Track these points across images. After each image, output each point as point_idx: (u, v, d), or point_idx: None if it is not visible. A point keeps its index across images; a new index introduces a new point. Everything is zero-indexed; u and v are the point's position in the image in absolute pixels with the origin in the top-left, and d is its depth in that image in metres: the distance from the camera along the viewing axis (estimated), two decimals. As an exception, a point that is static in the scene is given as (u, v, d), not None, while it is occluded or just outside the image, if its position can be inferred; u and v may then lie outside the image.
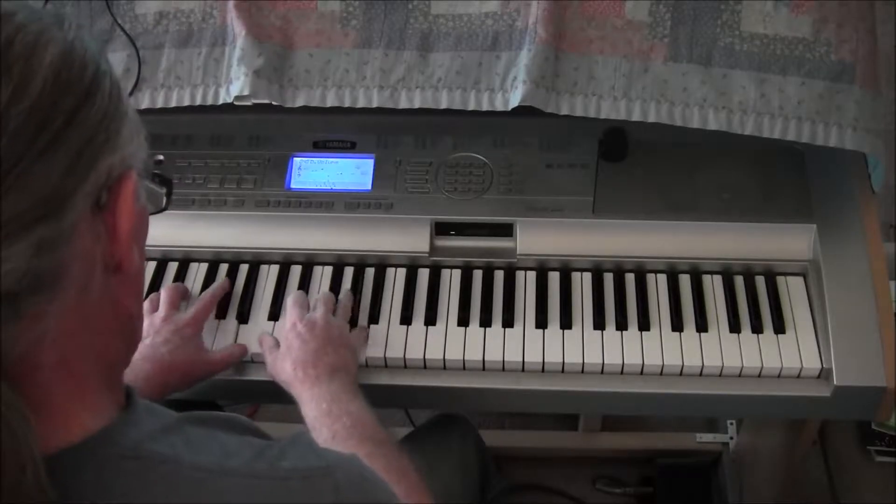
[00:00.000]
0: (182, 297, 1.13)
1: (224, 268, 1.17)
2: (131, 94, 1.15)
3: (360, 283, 1.15)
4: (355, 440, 0.87)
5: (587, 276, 1.14)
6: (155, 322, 1.06)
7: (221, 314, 1.13)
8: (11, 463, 0.48)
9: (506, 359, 1.07)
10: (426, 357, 1.08)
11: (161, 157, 1.20)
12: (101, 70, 0.55)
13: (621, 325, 1.09)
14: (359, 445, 0.86)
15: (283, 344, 1.03)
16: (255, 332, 1.10)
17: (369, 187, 1.18)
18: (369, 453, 0.84)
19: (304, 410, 0.95)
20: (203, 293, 1.12)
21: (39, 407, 0.52)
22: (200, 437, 0.60)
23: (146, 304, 1.10)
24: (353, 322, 1.10)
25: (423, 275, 1.15)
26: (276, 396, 1.03)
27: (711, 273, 1.14)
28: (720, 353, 1.07)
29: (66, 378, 0.55)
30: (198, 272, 1.17)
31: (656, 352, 1.07)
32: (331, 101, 1.13)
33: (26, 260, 0.49)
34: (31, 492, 0.48)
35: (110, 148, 0.54)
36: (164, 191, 0.70)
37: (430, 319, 1.11)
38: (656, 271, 1.15)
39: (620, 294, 1.12)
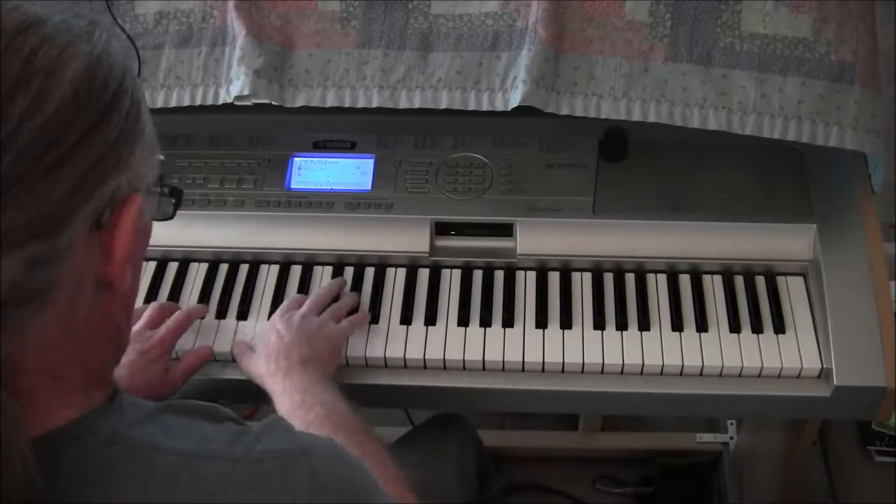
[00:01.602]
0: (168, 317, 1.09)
1: (224, 268, 1.17)
2: (131, 94, 1.15)
3: (360, 283, 1.14)
4: (329, 429, 0.87)
5: (587, 276, 1.14)
6: None
7: (221, 314, 1.13)
8: (10, 452, 0.48)
9: (506, 359, 1.07)
10: (426, 357, 1.08)
11: (161, 157, 1.20)
12: (122, 88, 0.54)
13: (621, 325, 1.09)
14: (333, 435, 0.85)
15: (262, 340, 1.03)
16: (255, 332, 1.10)
17: (369, 187, 1.18)
18: (344, 441, 0.83)
19: (277, 403, 0.94)
20: (178, 313, 1.07)
21: (23, 403, 0.52)
22: (178, 425, 0.59)
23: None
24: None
25: (423, 275, 1.15)
26: (275, 396, 1.03)
27: (711, 273, 1.14)
28: (720, 353, 1.07)
29: (50, 382, 0.55)
30: (198, 272, 1.17)
31: (656, 352, 1.07)
32: (331, 101, 1.13)
33: (16, 274, 0.48)
34: (20, 484, 0.49)
35: (119, 170, 0.54)
36: (172, 201, 0.69)
37: (430, 319, 1.11)
38: (656, 271, 1.15)
39: (620, 294, 1.12)
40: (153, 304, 1.09)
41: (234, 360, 1.09)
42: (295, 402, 0.92)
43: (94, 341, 0.58)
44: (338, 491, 0.59)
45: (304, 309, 1.06)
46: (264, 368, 0.99)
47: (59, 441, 0.54)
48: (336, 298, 1.11)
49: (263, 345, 1.02)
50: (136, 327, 1.05)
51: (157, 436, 0.57)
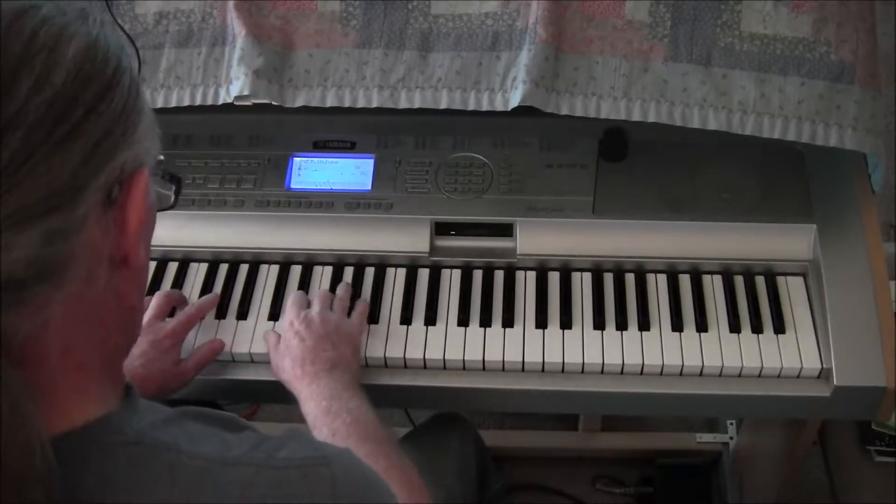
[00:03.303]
0: (177, 304, 1.12)
1: (224, 268, 1.17)
2: (131, 94, 1.15)
3: (360, 284, 1.15)
4: (355, 439, 0.87)
5: (587, 276, 1.14)
6: None
7: (221, 314, 1.13)
8: (20, 444, 0.48)
9: (506, 359, 1.07)
10: (426, 357, 1.08)
11: (161, 157, 1.20)
12: (122, 66, 0.56)
13: (621, 325, 1.09)
14: (359, 444, 0.86)
15: (282, 343, 1.03)
16: (255, 332, 1.10)
17: (369, 187, 1.18)
18: (369, 453, 0.84)
19: (303, 409, 0.95)
20: (189, 306, 1.09)
21: (43, 394, 0.52)
22: (200, 430, 0.60)
23: None
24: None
25: (423, 275, 1.15)
26: (276, 396, 1.03)
27: (711, 273, 1.14)
28: (720, 353, 1.07)
29: (69, 367, 0.56)
30: (198, 272, 1.17)
31: (656, 352, 1.07)
32: (331, 101, 1.13)
33: (35, 248, 0.49)
34: (40, 473, 0.49)
35: (126, 143, 0.55)
36: (172, 189, 0.70)
37: (430, 319, 1.11)
38: (656, 271, 1.15)
39: (620, 294, 1.12)
40: (158, 294, 1.10)
41: (234, 361, 1.09)
42: (322, 409, 0.92)
43: (110, 323, 0.59)
44: (358, 501, 0.60)
45: (317, 307, 1.06)
46: (290, 373, 0.99)
47: (86, 437, 0.55)
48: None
49: (285, 347, 1.02)
50: (146, 317, 1.06)
51: (181, 439, 0.57)
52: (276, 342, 1.05)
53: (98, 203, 0.53)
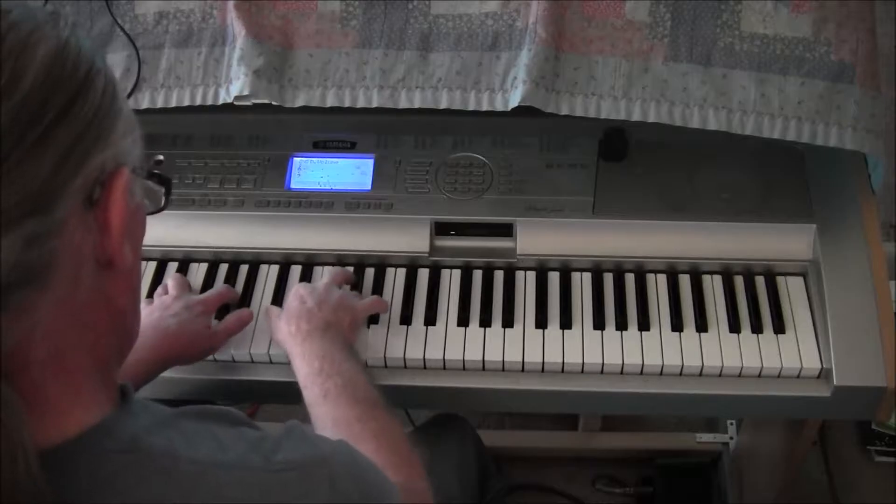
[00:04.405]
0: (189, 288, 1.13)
1: (224, 268, 1.17)
2: (131, 94, 1.16)
3: (360, 284, 1.14)
4: (346, 400, 0.88)
5: (587, 276, 1.14)
6: (166, 301, 1.07)
7: (221, 315, 1.12)
8: (5, 456, 0.48)
9: (506, 359, 1.07)
10: (426, 357, 1.08)
11: (161, 157, 1.20)
12: (94, 68, 0.55)
13: (621, 325, 1.09)
14: (350, 406, 0.87)
15: (284, 307, 1.05)
16: (255, 333, 1.10)
17: (369, 187, 1.18)
18: (360, 416, 0.85)
19: (295, 366, 0.96)
20: (216, 286, 1.13)
21: (33, 402, 0.52)
22: (196, 431, 0.60)
23: (157, 290, 1.11)
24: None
25: (423, 275, 1.15)
26: (276, 397, 1.03)
27: (711, 273, 1.14)
28: (720, 353, 1.07)
29: (59, 373, 0.55)
30: (198, 272, 1.17)
31: (656, 352, 1.07)
32: (331, 101, 1.13)
33: (15, 253, 0.49)
34: (24, 485, 0.49)
35: (102, 144, 0.55)
36: (162, 190, 0.70)
37: (430, 319, 1.11)
38: (656, 271, 1.15)
39: (620, 294, 1.12)
40: (173, 276, 1.13)
41: (234, 361, 1.09)
42: (314, 370, 0.93)
43: (100, 326, 0.59)
44: (357, 500, 0.60)
45: (326, 279, 1.09)
46: (285, 331, 1.01)
47: (79, 447, 0.54)
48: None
49: (285, 308, 1.04)
50: (173, 292, 1.09)
51: (176, 442, 0.57)
52: (275, 314, 1.07)
53: (79, 205, 0.53)
